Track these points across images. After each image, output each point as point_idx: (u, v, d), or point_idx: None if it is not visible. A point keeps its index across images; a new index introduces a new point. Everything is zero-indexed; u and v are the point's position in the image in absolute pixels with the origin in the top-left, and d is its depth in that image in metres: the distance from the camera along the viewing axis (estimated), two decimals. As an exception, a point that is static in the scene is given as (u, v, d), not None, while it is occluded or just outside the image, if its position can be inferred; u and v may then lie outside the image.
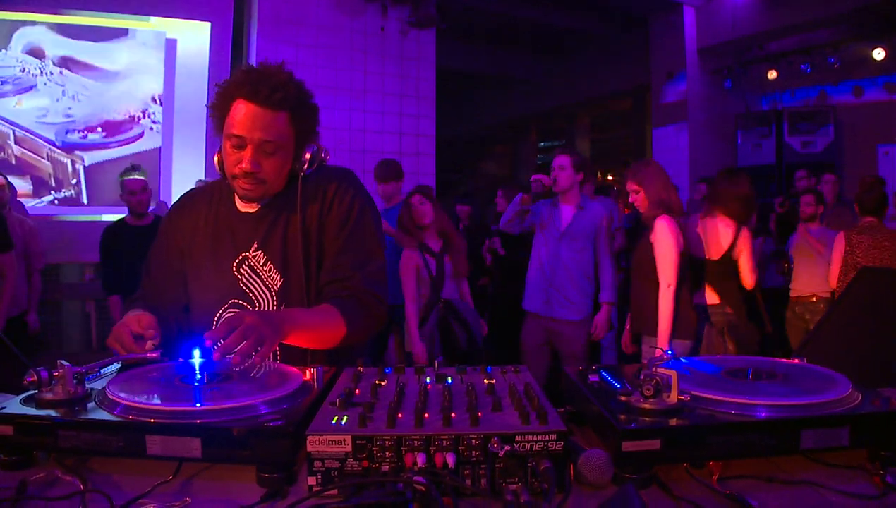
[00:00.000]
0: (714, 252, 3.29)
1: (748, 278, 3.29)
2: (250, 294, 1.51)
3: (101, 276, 4.08)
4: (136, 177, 3.92)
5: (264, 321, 1.19)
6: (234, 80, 1.43)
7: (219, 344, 1.13)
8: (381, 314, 1.51)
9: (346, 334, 1.41)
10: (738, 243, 3.28)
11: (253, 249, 1.52)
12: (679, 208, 3.15)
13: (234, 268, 1.52)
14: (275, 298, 1.50)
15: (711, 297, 3.29)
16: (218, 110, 1.45)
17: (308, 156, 1.49)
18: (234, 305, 1.50)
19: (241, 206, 1.56)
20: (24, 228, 4.06)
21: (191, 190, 1.73)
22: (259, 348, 1.14)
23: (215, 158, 1.50)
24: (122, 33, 5.47)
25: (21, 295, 3.96)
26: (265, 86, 1.39)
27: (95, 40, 5.38)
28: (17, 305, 3.93)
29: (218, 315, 1.50)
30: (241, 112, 1.40)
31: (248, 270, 1.52)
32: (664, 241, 3.02)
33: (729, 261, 3.29)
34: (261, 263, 1.51)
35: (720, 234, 3.30)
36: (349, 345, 1.48)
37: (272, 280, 1.51)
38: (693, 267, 3.19)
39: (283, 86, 1.41)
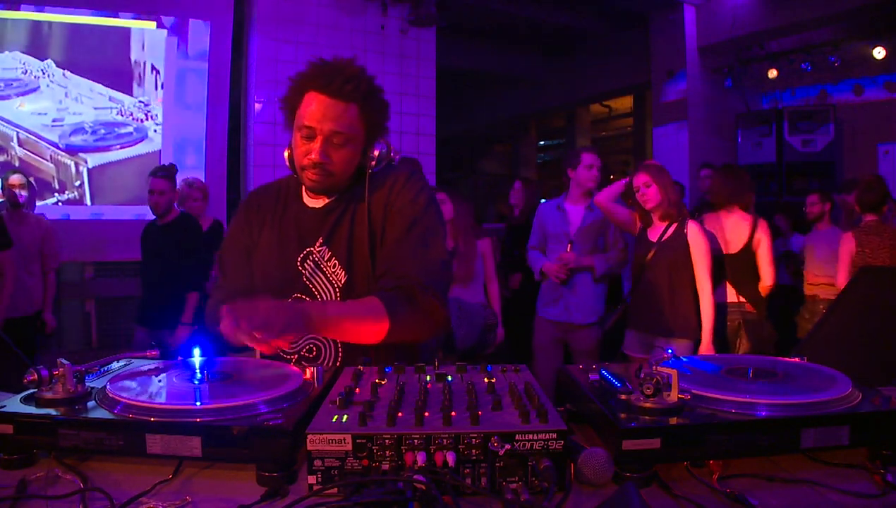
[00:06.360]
0: (733, 245, 3.29)
1: (767, 271, 3.27)
2: (313, 289, 1.49)
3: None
4: (160, 177, 3.89)
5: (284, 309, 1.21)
6: (306, 72, 1.44)
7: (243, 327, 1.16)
8: (434, 309, 1.41)
9: (391, 328, 1.35)
10: (757, 233, 3.27)
11: (318, 244, 1.51)
12: (684, 212, 3.18)
13: (299, 263, 1.51)
14: (338, 294, 1.48)
15: (731, 295, 3.27)
16: (289, 103, 1.46)
17: (377, 153, 1.48)
18: (296, 300, 1.48)
19: (309, 201, 1.55)
20: (41, 228, 4.12)
21: (260, 186, 1.70)
22: (284, 333, 1.18)
23: (285, 153, 1.50)
24: (123, 33, 5.46)
25: (36, 294, 4.04)
26: (337, 77, 1.39)
27: (97, 40, 5.36)
28: (32, 304, 4.00)
29: None
30: (313, 103, 1.40)
31: (313, 265, 1.50)
32: (702, 244, 3.02)
33: (748, 255, 3.27)
34: (325, 258, 1.50)
35: (739, 227, 3.30)
36: (412, 345, 1.46)
37: (336, 276, 1.49)
38: (714, 265, 3.18)
39: (355, 78, 1.41)
